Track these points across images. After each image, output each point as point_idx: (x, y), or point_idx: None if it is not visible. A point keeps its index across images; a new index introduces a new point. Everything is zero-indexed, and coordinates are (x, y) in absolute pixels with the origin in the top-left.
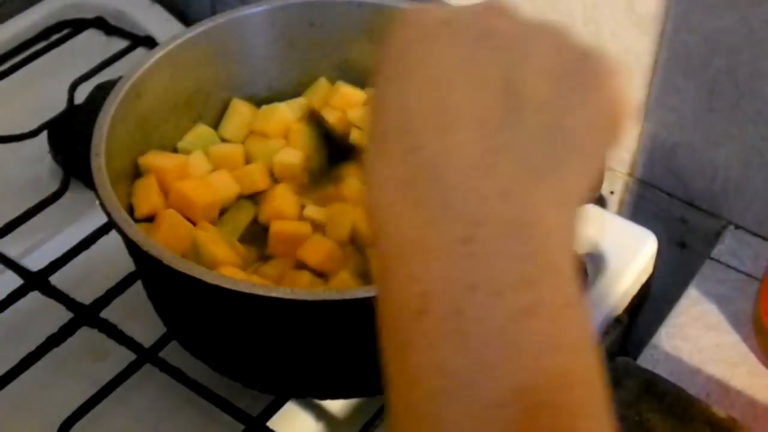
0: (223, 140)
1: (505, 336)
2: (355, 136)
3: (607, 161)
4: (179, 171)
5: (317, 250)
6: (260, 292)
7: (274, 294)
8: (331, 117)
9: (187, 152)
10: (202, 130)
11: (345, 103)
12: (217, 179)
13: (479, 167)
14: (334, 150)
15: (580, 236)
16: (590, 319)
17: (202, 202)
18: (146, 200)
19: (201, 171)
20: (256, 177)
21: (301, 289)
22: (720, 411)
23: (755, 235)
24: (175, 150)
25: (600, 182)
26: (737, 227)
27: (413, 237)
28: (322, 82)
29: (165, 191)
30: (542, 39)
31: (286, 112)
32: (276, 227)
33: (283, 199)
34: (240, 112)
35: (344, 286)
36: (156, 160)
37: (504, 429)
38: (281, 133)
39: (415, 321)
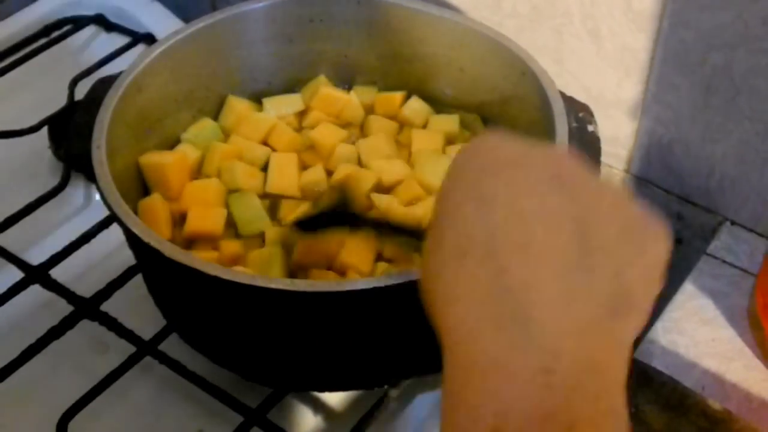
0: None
1: None
2: (373, 213)
3: (646, 318)
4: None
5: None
6: (260, 283)
7: (273, 285)
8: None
9: (191, 144)
10: (206, 123)
11: (326, 106)
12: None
13: (558, 303)
14: (341, 214)
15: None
16: None
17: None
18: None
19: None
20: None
21: (301, 280)
22: (715, 403)
23: (751, 230)
24: (176, 143)
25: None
26: (733, 223)
27: (497, 357)
28: (321, 80)
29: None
30: (606, 193)
31: (267, 118)
32: None
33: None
34: (235, 108)
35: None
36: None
37: None
38: (262, 138)
39: None
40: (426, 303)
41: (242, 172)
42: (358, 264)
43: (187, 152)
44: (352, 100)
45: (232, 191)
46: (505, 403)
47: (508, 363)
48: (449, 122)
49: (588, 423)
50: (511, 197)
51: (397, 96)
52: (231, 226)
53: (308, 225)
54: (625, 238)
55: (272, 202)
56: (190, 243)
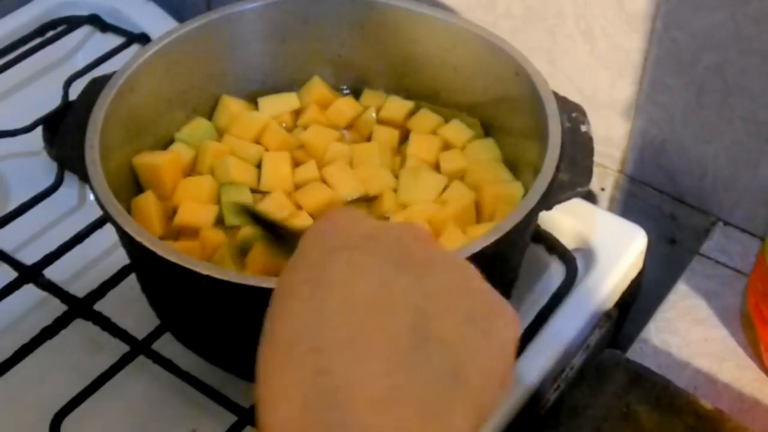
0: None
1: None
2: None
3: (493, 408)
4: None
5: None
6: (252, 282)
7: (266, 285)
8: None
9: (185, 144)
10: (200, 122)
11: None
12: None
13: (380, 403)
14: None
15: None
16: None
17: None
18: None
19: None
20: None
21: None
22: (707, 403)
23: (744, 231)
24: (170, 142)
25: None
26: (726, 223)
27: None
28: (316, 80)
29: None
30: (455, 272)
31: (259, 117)
32: None
33: None
34: (229, 108)
35: None
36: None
37: None
38: (254, 137)
39: None
40: (255, 399)
41: (235, 166)
42: None
43: (180, 152)
44: (346, 101)
45: (224, 184)
46: None
47: None
48: (457, 131)
49: None
50: (349, 283)
51: (406, 105)
52: (220, 222)
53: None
54: (468, 326)
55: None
56: (178, 235)
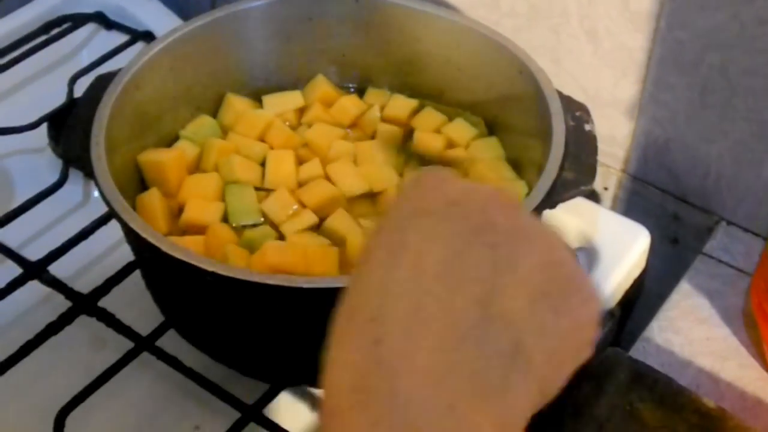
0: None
1: None
2: None
3: (557, 387)
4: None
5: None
6: (257, 279)
7: (270, 281)
8: None
9: (189, 141)
10: (204, 120)
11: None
12: None
13: (431, 376)
14: None
15: None
16: None
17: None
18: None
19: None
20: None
21: (299, 276)
22: (709, 401)
23: (746, 230)
24: (175, 139)
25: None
26: (729, 223)
27: None
28: (320, 79)
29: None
30: (537, 245)
31: (264, 115)
32: None
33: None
34: (234, 105)
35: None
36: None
37: None
38: (258, 135)
39: None
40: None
41: (240, 165)
42: None
43: (185, 149)
44: (350, 99)
45: (229, 183)
46: None
47: None
48: (461, 129)
49: None
50: (421, 250)
51: (410, 103)
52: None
53: None
54: (538, 303)
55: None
56: (183, 233)
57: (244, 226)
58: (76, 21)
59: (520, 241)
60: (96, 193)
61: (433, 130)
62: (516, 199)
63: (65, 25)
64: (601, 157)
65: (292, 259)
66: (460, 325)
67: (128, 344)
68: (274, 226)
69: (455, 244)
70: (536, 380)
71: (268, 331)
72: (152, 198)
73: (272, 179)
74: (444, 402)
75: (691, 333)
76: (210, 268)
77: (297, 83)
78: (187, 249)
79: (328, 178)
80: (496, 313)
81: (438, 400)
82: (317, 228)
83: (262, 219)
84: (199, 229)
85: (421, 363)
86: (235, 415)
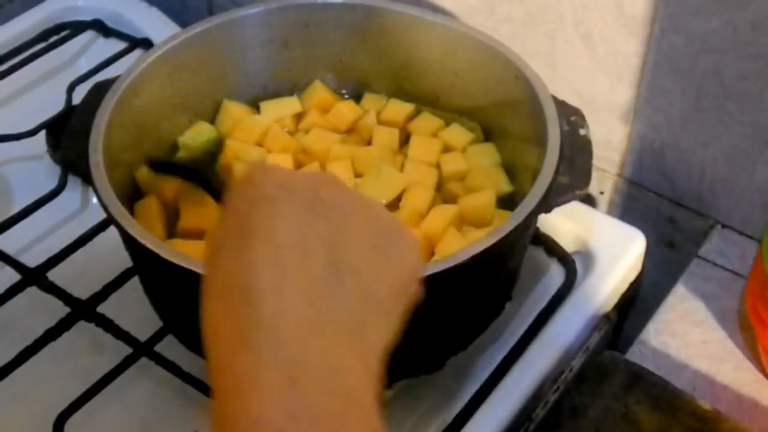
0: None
1: None
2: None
3: (399, 319)
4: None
5: None
6: None
7: None
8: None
9: (187, 147)
10: (202, 126)
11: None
12: None
13: (307, 327)
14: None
15: (380, 379)
16: None
17: None
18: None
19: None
20: None
21: None
22: (705, 404)
23: (741, 234)
24: (173, 146)
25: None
26: (724, 226)
27: (250, 375)
28: (317, 85)
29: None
30: (361, 210)
31: (261, 121)
32: None
33: None
34: (231, 112)
35: None
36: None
37: None
38: (256, 141)
39: None
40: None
41: (240, 170)
42: None
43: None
44: (347, 105)
45: None
46: (259, 411)
47: (259, 378)
48: (457, 134)
49: (334, 415)
50: (270, 230)
51: (406, 107)
52: None
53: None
54: (374, 253)
55: None
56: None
57: None
58: (75, 28)
59: (347, 208)
60: (94, 200)
61: (429, 135)
62: (337, 178)
63: (64, 33)
64: (596, 162)
65: None
66: (319, 283)
67: (127, 350)
68: None
69: (296, 219)
70: (383, 317)
71: None
72: (150, 205)
73: None
74: (318, 345)
75: (687, 336)
76: None
77: (294, 89)
78: (185, 254)
79: None
80: (344, 267)
81: (314, 343)
82: None
83: None
84: (197, 235)
85: (296, 317)
86: None
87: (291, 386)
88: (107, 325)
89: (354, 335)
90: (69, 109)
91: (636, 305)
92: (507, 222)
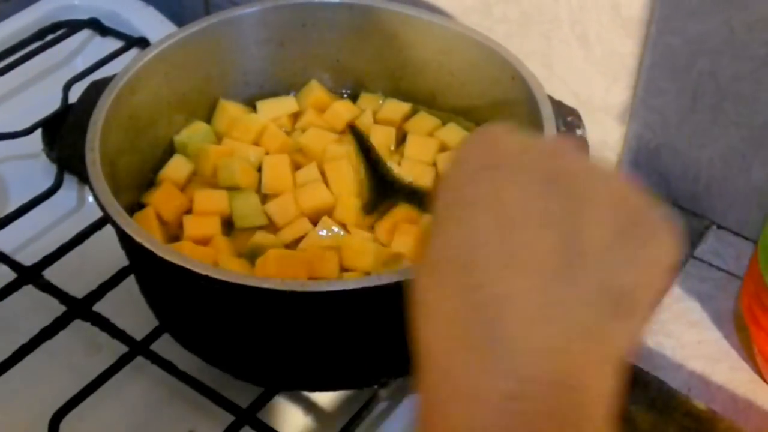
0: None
1: None
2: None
3: (648, 320)
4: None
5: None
6: (251, 283)
7: (265, 285)
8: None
9: (183, 146)
10: (199, 125)
11: (319, 109)
12: None
13: (535, 320)
14: (380, 183)
15: (616, 393)
16: None
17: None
18: None
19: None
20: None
21: (292, 280)
22: (701, 404)
23: (737, 234)
24: (169, 145)
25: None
26: (720, 227)
27: (465, 383)
28: (314, 84)
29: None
30: (605, 186)
31: (258, 120)
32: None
33: None
34: (228, 111)
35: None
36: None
37: None
38: (253, 140)
39: None
40: (410, 316)
41: (241, 170)
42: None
43: (178, 166)
44: (343, 104)
45: (229, 188)
46: (472, 430)
47: (475, 389)
48: (454, 133)
49: None
50: (497, 202)
51: (403, 107)
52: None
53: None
54: (622, 238)
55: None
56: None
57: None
58: (71, 27)
59: (588, 183)
60: (90, 198)
61: (426, 134)
62: (580, 145)
63: (60, 32)
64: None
65: (294, 268)
66: (552, 266)
67: (122, 348)
68: (277, 230)
69: (530, 191)
70: (632, 316)
71: (262, 335)
72: (147, 216)
73: (269, 184)
74: (548, 346)
75: (682, 336)
76: (203, 272)
77: (291, 89)
78: (180, 253)
79: (324, 177)
80: (583, 251)
81: (542, 344)
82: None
83: (268, 222)
84: (201, 242)
85: (522, 306)
86: (229, 418)
87: (511, 406)
88: (103, 323)
89: (592, 335)
90: (65, 108)
91: None
92: None
